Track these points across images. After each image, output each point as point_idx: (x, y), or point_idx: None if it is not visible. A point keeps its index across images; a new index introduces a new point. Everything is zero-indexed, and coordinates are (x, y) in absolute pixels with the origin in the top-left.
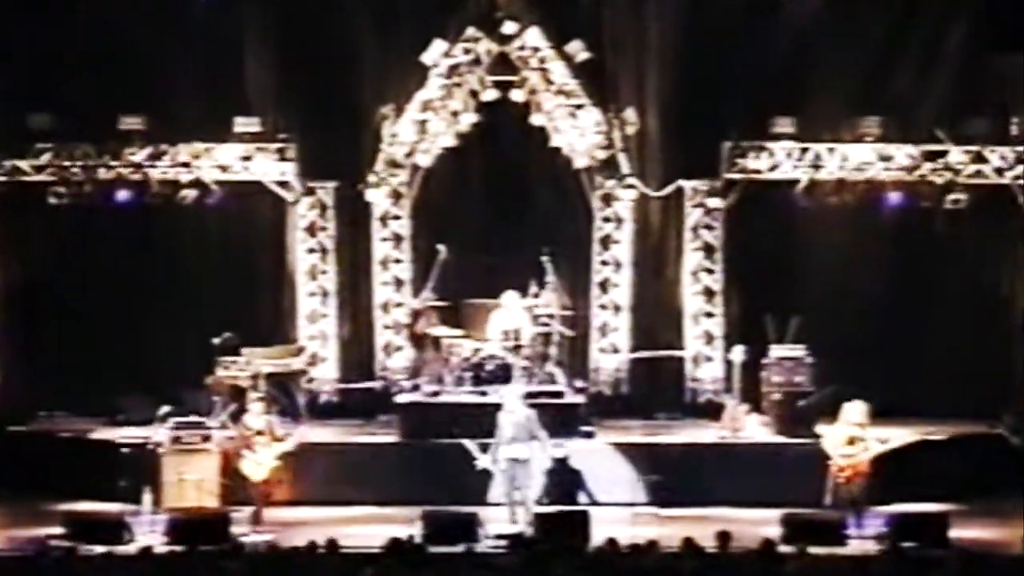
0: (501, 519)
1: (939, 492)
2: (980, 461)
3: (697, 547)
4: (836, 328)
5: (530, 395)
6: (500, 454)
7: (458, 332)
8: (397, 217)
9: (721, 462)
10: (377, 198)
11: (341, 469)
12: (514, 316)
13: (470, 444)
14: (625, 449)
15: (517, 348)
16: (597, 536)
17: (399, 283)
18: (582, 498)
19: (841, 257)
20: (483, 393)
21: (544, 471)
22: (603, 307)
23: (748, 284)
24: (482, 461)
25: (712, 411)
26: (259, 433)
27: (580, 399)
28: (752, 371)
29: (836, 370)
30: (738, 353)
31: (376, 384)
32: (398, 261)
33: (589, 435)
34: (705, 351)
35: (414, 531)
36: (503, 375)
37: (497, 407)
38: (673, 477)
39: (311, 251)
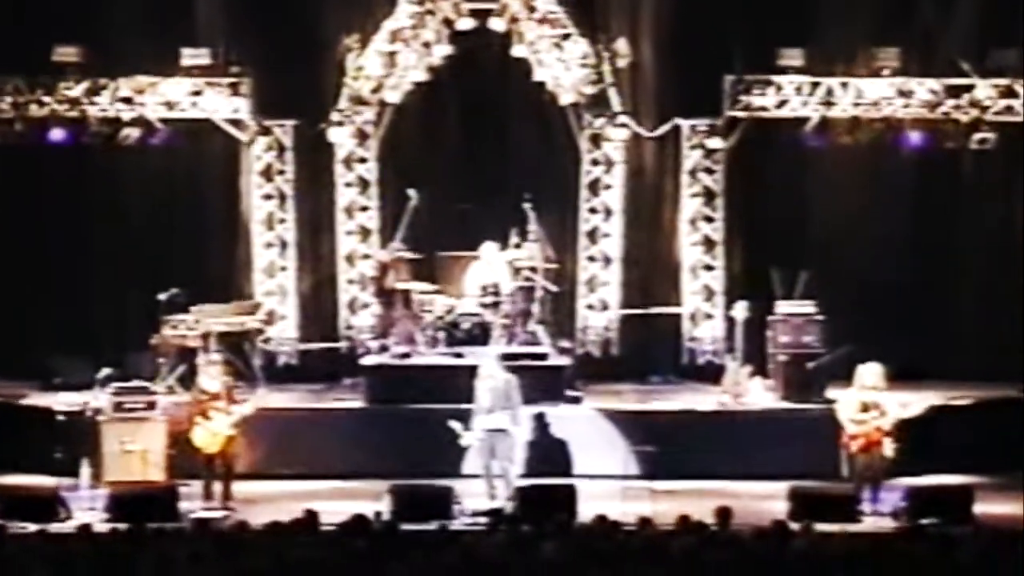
0: (479, 494)
1: (963, 463)
2: (1009, 429)
3: (695, 524)
4: (850, 282)
5: (510, 357)
6: (477, 423)
7: (431, 287)
8: (363, 160)
9: (722, 431)
10: (341, 138)
11: (301, 439)
12: (493, 269)
13: (454, 423)
14: (615, 416)
15: (496, 305)
16: (584, 513)
17: (365, 233)
18: (567, 470)
19: (855, 203)
20: (458, 355)
21: (526, 441)
22: (591, 259)
23: (752, 234)
24: (467, 439)
25: (712, 374)
26: (215, 398)
27: (566, 361)
28: (756, 330)
29: (849, 328)
30: (741, 310)
31: (340, 345)
32: (364, 208)
33: (576, 401)
34: (704, 308)
35: (382, 507)
36: (480, 335)
37: (474, 370)
38: (668, 447)
39: (267, 197)
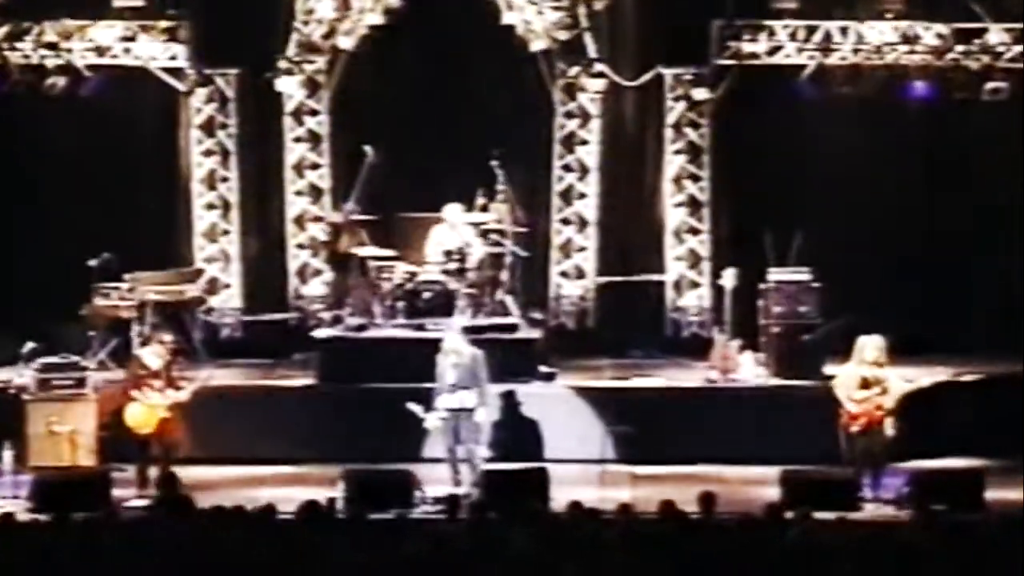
0: (442, 479)
1: (972, 445)
2: (1022, 407)
3: (678, 512)
4: (849, 247)
5: (476, 330)
6: (440, 403)
7: (389, 252)
8: (314, 112)
9: (708, 410)
10: (289, 88)
11: (247, 419)
12: (457, 233)
13: (414, 406)
14: (592, 394)
15: (461, 272)
16: (558, 499)
17: (316, 193)
18: (539, 453)
19: (855, 160)
20: (419, 327)
21: (493, 422)
22: (566, 222)
23: (742, 194)
24: (429, 420)
25: (698, 348)
26: (154, 375)
27: (537, 334)
28: (747, 299)
29: (849, 297)
30: (730, 277)
31: (289, 316)
32: (315, 166)
33: (549, 377)
34: (690, 275)
35: (335, 494)
36: (444, 305)
37: (436, 345)
38: (650, 428)
39: (209, 153)
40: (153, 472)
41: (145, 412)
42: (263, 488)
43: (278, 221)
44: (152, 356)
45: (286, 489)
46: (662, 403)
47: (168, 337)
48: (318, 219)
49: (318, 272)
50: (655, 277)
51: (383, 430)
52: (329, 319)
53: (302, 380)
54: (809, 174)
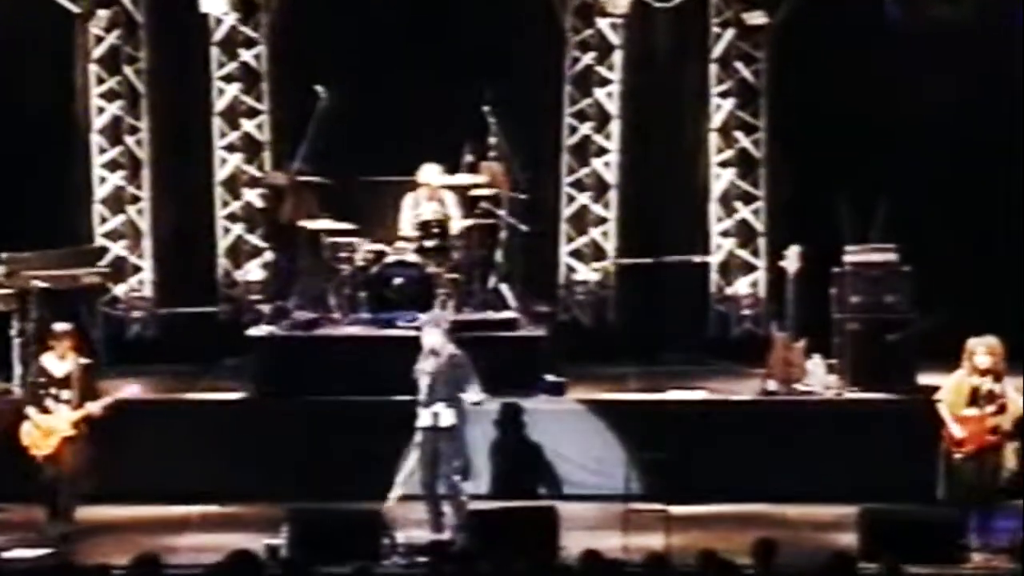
0: (418, 522)
1: None
2: None
3: (724, 564)
4: (950, 217)
5: (462, 326)
6: (419, 419)
7: (348, 226)
8: (250, 42)
9: (765, 431)
10: (216, 8)
11: (161, 444)
12: (437, 201)
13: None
14: (613, 411)
15: (442, 252)
16: (569, 547)
17: (254, 147)
18: (544, 488)
19: (956, 102)
20: (387, 323)
21: (486, 447)
22: (579, 186)
23: (809, 148)
24: (395, 489)
25: (752, 350)
26: (61, 384)
27: (542, 332)
28: (815, 286)
29: (951, 283)
30: (793, 258)
31: (217, 309)
32: (252, 113)
33: (557, 389)
34: (741, 255)
35: (278, 540)
36: (419, 295)
37: (410, 346)
38: (688, 455)
39: (113, 95)
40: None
41: (41, 431)
42: (184, 533)
43: (203, 185)
44: (53, 359)
45: (213, 535)
46: (705, 422)
47: (65, 327)
48: (255, 182)
49: (256, 252)
50: (696, 258)
51: (341, 458)
52: (270, 313)
53: (234, 392)
54: (897, 123)
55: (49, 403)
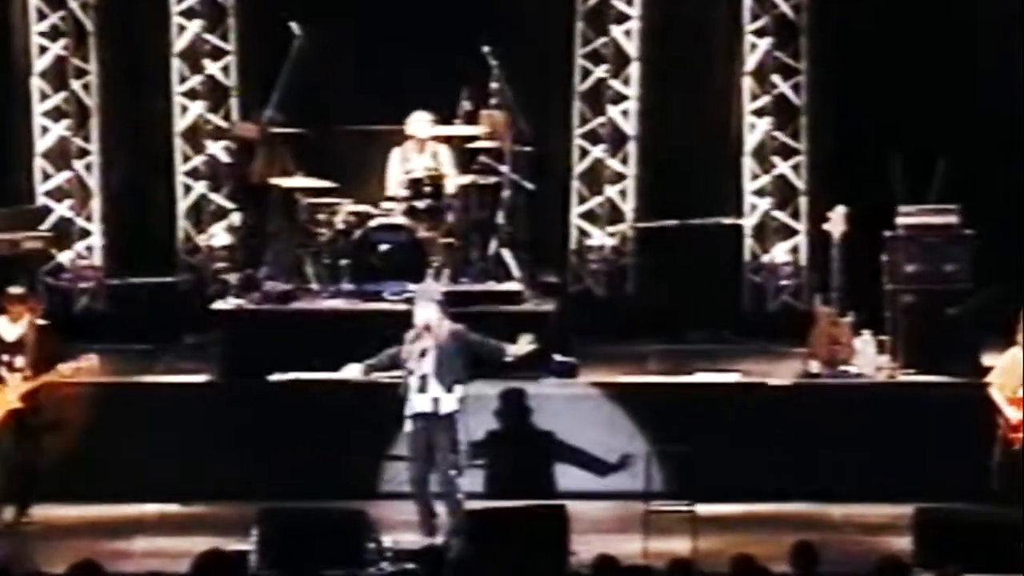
0: (408, 523)
1: None
2: None
3: (760, 571)
4: (1015, 173)
5: (459, 299)
6: (408, 407)
7: (327, 184)
8: None
9: (806, 419)
10: None
11: (115, 434)
12: (429, 155)
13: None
14: (632, 396)
15: (435, 214)
16: (581, 551)
17: (219, 93)
18: (552, 485)
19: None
20: (373, 294)
21: (486, 437)
22: (593, 137)
23: (856, 93)
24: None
25: (791, 326)
26: (14, 350)
27: (551, 306)
28: (864, 253)
29: (1015, 251)
30: (838, 221)
31: (178, 279)
32: (217, 53)
33: (568, 371)
34: (779, 218)
35: (247, 545)
36: (409, 262)
37: (400, 321)
38: (718, 446)
39: (56, 33)
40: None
41: None
42: (138, 536)
43: (160, 136)
44: (5, 323)
45: (172, 538)
46: (737, 408)
47: (19, 290)
48: (221, 133)
49: (221, 213)
50: (726, 221)
51: (318, 450)
52: (237, 283)
53: (196, 375)
54: (957, 66)
55: (2, 371)
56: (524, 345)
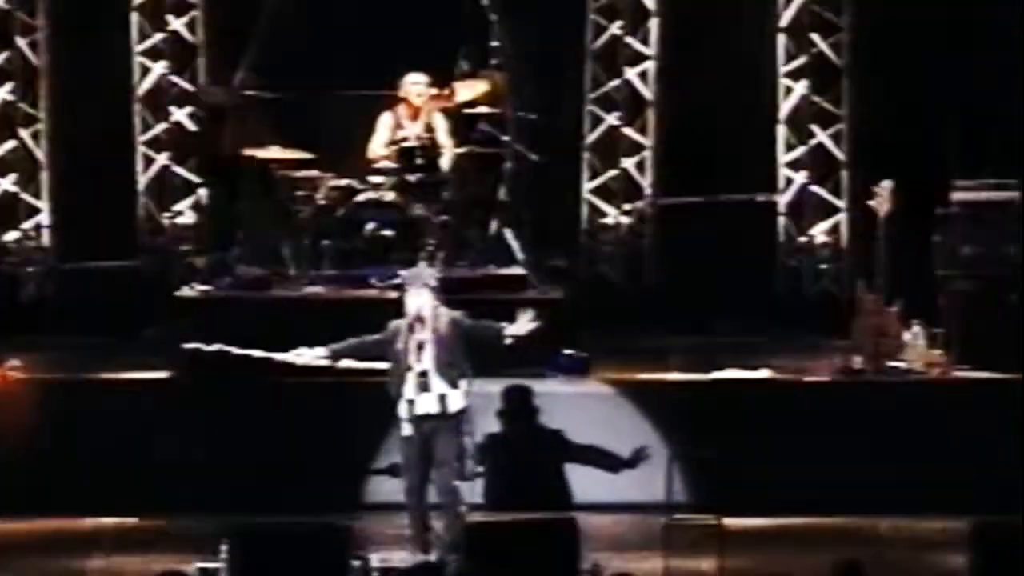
0: (400, 539)
1: None
2: None
3: None
4: None
5: (456, 285)
6: (404, 408)
7: (307, 155)
8: None
9: (849, 420)
10: None
11: (68, 438)
12: (422, 122)
13: None
14: (651, 395)
15: (429, 188)
16: (593, 568)
17: (185, 52)
18: (562, 494)
19: None
20: (359, 280)
21: (488, 441)
22: (606, 103)
23: (904, 53)
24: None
25: (831, 316)
26: None
27: (559, 293)
28: (914, 233)
29: None
30: (885, 197)
31: (139, 263)
32: (182, 7)
33: (577, 367)
34: (817, 192)
35: (215, 564)
36: (400, 243)
37: (391, 309)
38: (749, 451)
39: None
40: None
41: None
42: (94, 554)
43: (118, 101)
44: None
45: (132, 556)
46: (771, 408)
47: None
48: (187, 97)
49: (187, 189)
50: (759, 197)
51: (297, 456)
52: (206, 268)
53: (159, 371)
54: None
55: None
56: (524, 323)
